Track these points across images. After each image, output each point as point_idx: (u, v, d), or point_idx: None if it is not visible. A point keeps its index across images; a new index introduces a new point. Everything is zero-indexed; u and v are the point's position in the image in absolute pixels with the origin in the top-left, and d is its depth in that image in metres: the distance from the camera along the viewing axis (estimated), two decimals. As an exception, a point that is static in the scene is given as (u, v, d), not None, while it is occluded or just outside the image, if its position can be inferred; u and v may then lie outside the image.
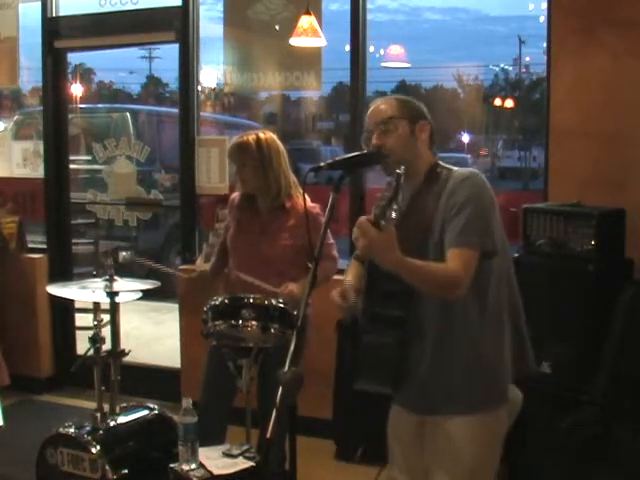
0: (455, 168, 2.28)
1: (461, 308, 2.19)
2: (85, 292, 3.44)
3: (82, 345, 4.71)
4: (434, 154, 2.34)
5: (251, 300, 2.95)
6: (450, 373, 2.23)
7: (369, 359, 2.26)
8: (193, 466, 2.74)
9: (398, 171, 2.01)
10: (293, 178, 3.40)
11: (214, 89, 5.71)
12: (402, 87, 14.82)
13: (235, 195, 3.50)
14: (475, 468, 2.25)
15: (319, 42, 4.36)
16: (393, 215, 1.97)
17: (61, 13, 5.23)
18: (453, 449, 2.25)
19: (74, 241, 5.69)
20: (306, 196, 2.50)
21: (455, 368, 2.23)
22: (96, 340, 3.41)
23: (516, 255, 3.60)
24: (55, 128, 5.28)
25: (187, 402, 2.79)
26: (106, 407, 3.43)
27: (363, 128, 2.34)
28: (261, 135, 3.34)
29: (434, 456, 2.30)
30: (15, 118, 6.20)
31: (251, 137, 3.32)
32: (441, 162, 2.32)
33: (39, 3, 5.19)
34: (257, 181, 3.30)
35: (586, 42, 3.73)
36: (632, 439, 3.19)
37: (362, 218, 2.02)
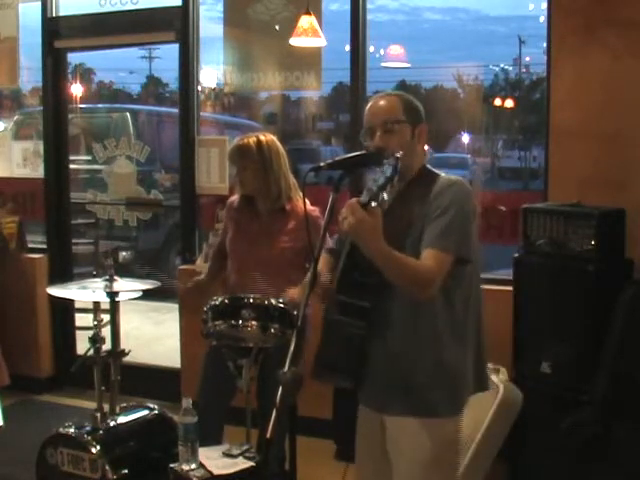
0: (442, 173, 2.30)
1: (430, 311, 2.20)
2: (85, 292, 3.44)
3: (82, 345, 4.71)
4: (425, 155, 2.36)
5: (251, 300, 2.95)
6: (411, 374, 2.24)
7: (333, 351, 2.25)
8: (193, 466, 2.74)
9: (397, 155, 2.01)
10: (293, 180, 3.41)
11: (214, 89, 5.71)
12: (402, 87, 14.80)
13: (234, 197, 3.50)
14: (431, 472, 2.25)
15: (319, 42, 4.36)
16: (386, 197, 1.98)
17: (61, 13, 5.23)
18: (408, 450, 2.26)
19: (74, 241, 5.69)
20: (306, 199, 2.50)
21: (417, 369, 2.24)
22: (96, 340, 3.41)
23: (516, 255, 3.61)
24: (55, 128, 5.28)
25: (187, 402, 2.79)
26: (106, 407, 3.44)
27: (363, 124, 2.33)
28: (262, 137, 3.34)
29: (393, 456, 2.31)
30: (15, 118, 6.19)
31: (252, 139, 3.32)
32: (428, 165, 2.33)
33: (39, 3, 5.19)
34: (257, 183, 3.30)
35: (586, 42, 3.73)
36: (632, 439, 3.19)
37: (352, 200, 2.02)
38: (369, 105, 2.33)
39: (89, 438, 3.10)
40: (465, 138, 13.99)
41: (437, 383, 2.24)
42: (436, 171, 2.32)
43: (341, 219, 2.02)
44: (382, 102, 2.30)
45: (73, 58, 5.71)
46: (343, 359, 2.25)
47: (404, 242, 2.17)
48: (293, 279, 3.17)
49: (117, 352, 3.43)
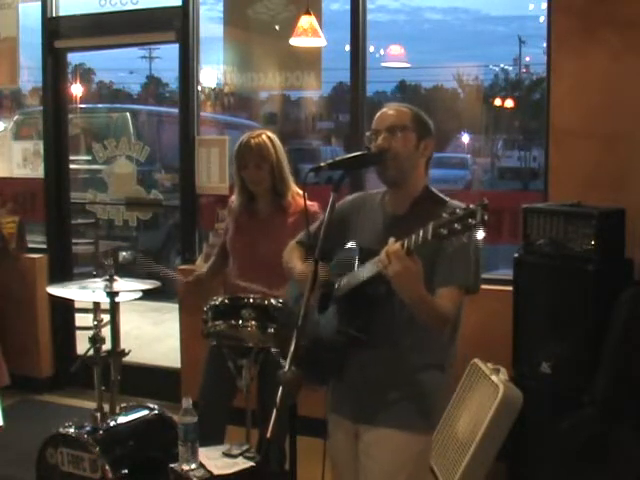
0: (447, 199, 2.29)
1: (421, 329, 2.19)
2: (85, 292, 3.44)
3: (82, 345, 4.71)
4: (427, 175, 2.34)
5: (251, 300, 2.94)
6: (394, 387, 2.26)
7: (315, 352, 2.24)
8: (193, 466, 2.74)
9: (486, 201, 1.81)
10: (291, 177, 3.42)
11: (214, 89, 5.71)
12: (402, 87, 14.78)
13: (233, 197, 3.50)
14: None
15: (319, 42, 4.37)
16: (465, 240, 1.85)
17: (61, 13, 5.23)
18: (383, 461, 2.28)
19: (74, 241, 5.70)
20: (306, 195, 2.50)
21: (400, 384, 2.26)
22: (96, 340, 3.41)
23: (516, 255, 3.61)
24: (55, 128, 5.29)
25: (187, 402, 2.79)
26: (106, 407, 3.44)
27: (370, 128, 2.32)
28: (270, 135, 3.36)
29: (366, 465, 2.33)
30: (15, 118, 6.20)
31: (265, 137, 3.32)
32: (432, 188, 2.33)
33: (39, 3, 5.19)
34: (270, 180, 3.31)
35: (586, 42, 3.73)
36: (632, 439, 3.19)
37: (397, 245, 1.95)
38: (379, 112, 2.32)
39: (89, 438, 3.09)
40: (465, 138, 14.00)
41: (418, 398, 2.27)
42: (441, 195, 2.31)
43: (383, 265, 1.97)
44: (392, 111, 2.30)
45: (73, 58, 5.72)
46: (322, 362, 2.27)
47: None
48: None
49: (117, 352, 3.43)
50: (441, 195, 2.32)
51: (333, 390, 2.42)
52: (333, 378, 2.34)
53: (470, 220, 1.80)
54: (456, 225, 1.81)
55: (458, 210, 1.82)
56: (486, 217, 1.79)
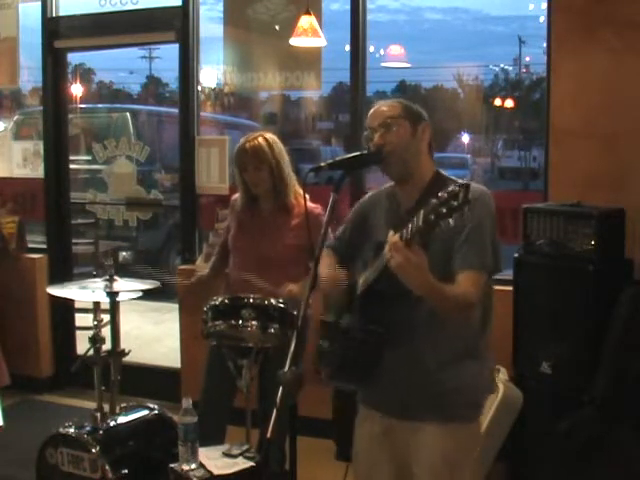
0: (459, 181, 2.26)
1: (450, 318, 2.18)
2: (85, 292, 3.44)
3: (82, 345, 4.71)
4: (433, 161, 2.33)
5: (251, 300, 2.94)
6: (432, 380, 2.23)
7: (345, 355, 2.24)
8: (193, 466, 2.74)
9: (467, 182, 1.85)
10: (294, 177, 3.42)
11: (214, 89, 5.71)
12: (402, 87, 14.81)
13: (236, 196, 3.50)
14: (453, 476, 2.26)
15: (319, 42, 4.37)
16: (451, 222, 1.84)
17: (61, 13, 5.23)
18: (429, 456, 2.25)
19: (74, 241, 5.70)
20: (307, 196, 2.50)
21: (438, 376, 2.23)
22: (96, 340, 3.41)
23: (516, 255, 3.61)
24: (55, 128, 5.28)
25: (187, 402, 2.79)
26: (106, 407, 3.44)
27: (364, 127, 2.33)
28: (268, 136, 3.37)
29: (411, 461, 2.30)
30: (15, 118, 6.19)
31: (260, 139, 3.33)
32: (442, 172, 2.32)
33: (39, 3, 5.19)
34: (270, 182, 3.31)
35: (586, 42, 3.73)
36: (632, 439, 3.19)
37: (395, 237, 1.95)
38: (371, 110, 2.32)
39: (89, 438, 3.10)
40: (465, 138, 14.03)
41: (458, 388, 2.24)
42: (452, 178, 2.28)
43: (387, 259, 1.97)
44: (381, 106, 2.30)
45: (73, 58, 5.71)
46: (354, 363, 2.25)
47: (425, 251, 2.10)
48: (295, 277, 3.16)
49: (117, 352, 3.43)
50: (452, 178, 2.27)
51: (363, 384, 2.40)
52: (367, 376, 2.28)
53: (453, 202, 1.81)
54: (442, 209, 1.82)
55: (443, 194, 1.83)
56: (469, 196, 1.80)
